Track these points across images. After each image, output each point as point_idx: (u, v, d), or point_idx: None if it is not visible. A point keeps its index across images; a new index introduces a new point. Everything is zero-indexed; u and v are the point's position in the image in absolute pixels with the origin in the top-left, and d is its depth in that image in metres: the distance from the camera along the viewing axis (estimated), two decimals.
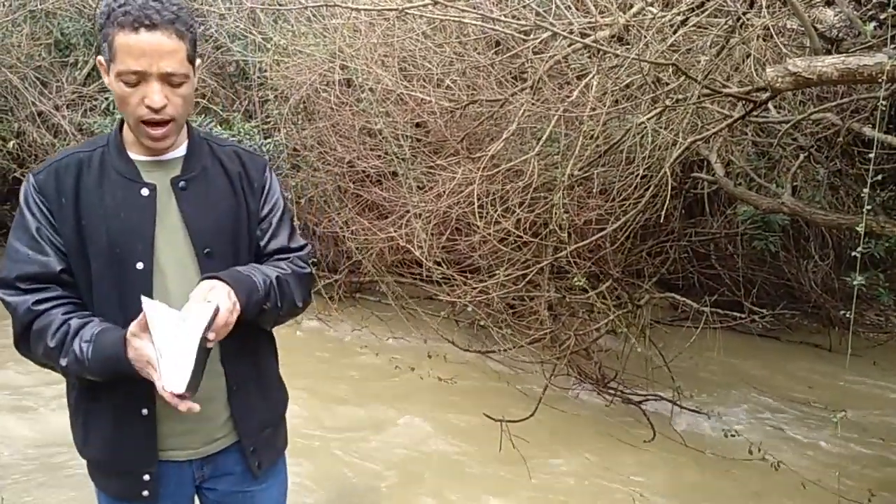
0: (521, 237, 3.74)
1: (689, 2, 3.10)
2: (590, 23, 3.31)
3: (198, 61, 1.33)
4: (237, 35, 5.57)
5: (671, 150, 3.36)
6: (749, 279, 5.29)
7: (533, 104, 3.60)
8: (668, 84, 3.27)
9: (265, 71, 5.24)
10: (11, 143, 5.59)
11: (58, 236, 1.30)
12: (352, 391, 4.00)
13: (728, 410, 4.01)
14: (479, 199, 3.64)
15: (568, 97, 3.43)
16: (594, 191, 3.92)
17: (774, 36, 2.99)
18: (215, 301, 1.23)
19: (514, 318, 4.26)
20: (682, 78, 3.05)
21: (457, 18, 3.74)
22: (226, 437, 1.45)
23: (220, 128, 5.25)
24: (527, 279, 3.79)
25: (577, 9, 3.62)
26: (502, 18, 3.55)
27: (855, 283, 2.35)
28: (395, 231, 4.40)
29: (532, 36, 3.58)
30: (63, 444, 1.47)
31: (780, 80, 2.35)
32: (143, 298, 1.18)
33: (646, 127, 3.28)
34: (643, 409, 3.78)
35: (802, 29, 2.77)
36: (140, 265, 1.31)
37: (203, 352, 1.19)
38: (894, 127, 4.40)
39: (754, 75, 3.11)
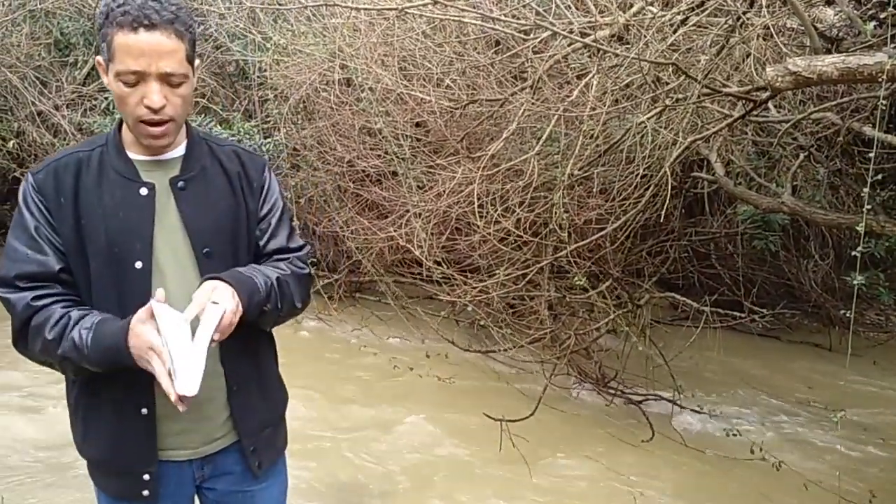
0: (521, 237, 3.74)
1: (689, 1, 3.10)
2: (590, 22, 3.31)
3: (197, 61, 1.33)
4: (237, 34, 5.57)
5: (671, 150, 3.36)
6: (749, 279, 5.29)
7: (533, 104, 3.59)
8: (668, 83, 3.27)
9: (265, 70, 5.24)
10: (11, 142, 5.59)
11: (56, 236, 1.29)
12: (351, 391, 4.00)
13: (728, 410, 4.01)
14: (479, 199, 3.64)
15: (568, 97, 3.43)
16: (594, 190, 3.92)
17: (774, 35, 2.99)
18: (221, 302, 1.23)
19: (514, 317, 4.26)
20: (682, 77, 3.05)
21: (457, 18, 3.74)
22: (225, 436, 1.45)
23: (219, 127, 5.25)
24: (527, 279, 3.79)
25: (576, 8, 3.62)
26: (502, 18, 3.55)
27: (855, 282, 2.35)
28: (395, 231, 4.40)
29: (532, 35, 3.58)
30: (68, 444, 1.46)
31: (780, 79, 2.35)
32: (153, 302, 1.19)
33: (646, 126, 3.28)
34: (643, 409, 3.78)
35: (802, 28, 2.77)
36: (139, 264, 1.30)
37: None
38: (894, 126, 4.39)
39: (754, 75, 3.11)
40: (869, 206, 2.45)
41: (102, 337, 1.23)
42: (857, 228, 2.32)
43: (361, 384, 4.12)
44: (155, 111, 1.24)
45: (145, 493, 1.37)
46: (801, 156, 4.35)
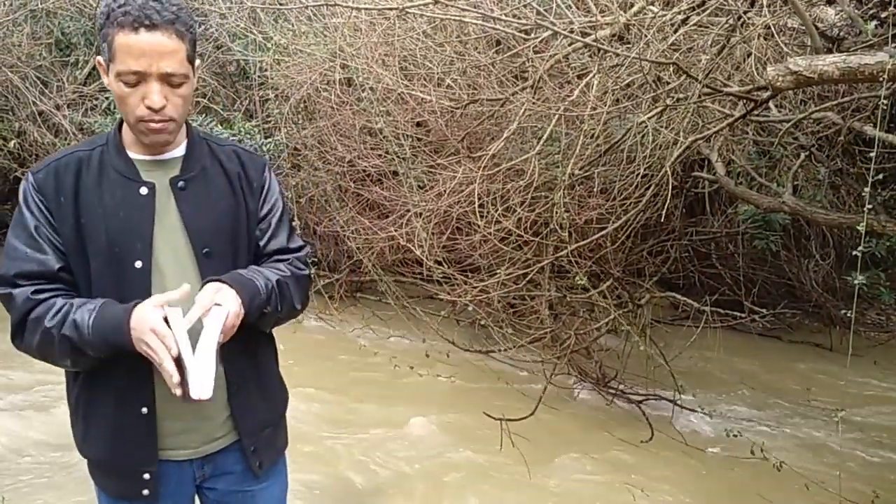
0: (522, 236, 3.74)
1: (690, 1, 3.10)
2: (590, 22, 3.31)
3: (197, 61, 1.33)
4: (238, 34, 5.57)
5: (672, 150, 3.36)
6: (750, 278, 5.29)
7: (533, 103, 3.59)
8: (668, 83, 3.27)
9: (266, 70, 5.24)
10: (12, 142, 5.60)
11: (56, 235, 1.30)
12: (352, 391, 4.00)
13: (729, 410, 4.01)
14: (479, 199, 3.64)
15: (569, 96, 3.42)
16: (595, 190, 3.92)
17: (775, 35, 2.98)
18: (224, 304, 1.24)
19: (514, 317, 4.27)
20: (683, 77, 3.05)
21: (457, 18, 3.74)
22: (226, 436, 1.45)
23: (220, 127, 5.26)
24: (527, 278, 3.79)
25: (577, 8, 3.62)
26: (503, 18, 3.54)
27: (856, 282, 2.34)
28: (396, 230, 4.40)
29: (533, 35, 3.58)
30: (71, 445, 1.46)
31: (781, 78, 2.34)
32: (167, 308, 1.19)
33: (646, 126, 3.28)
34: (643, 409, 3.78)
35: (803, 28, 2.77)
36: (139, 264, 1.30)
37: None
38: (895, 126, 4.39)
39: (755, 74, 3.10)
40: (870, 206, 2.45)
41: (105, 317, 1.23)
42: (858, 228, 2.32)
43: (362, 384, 4.12)
44: (155, 111, 1.24)
45: (145, 492, 1.38)
46: (802, 155, 4.35)
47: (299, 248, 1.53)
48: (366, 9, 4.24)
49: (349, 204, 5.15)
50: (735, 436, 3.51)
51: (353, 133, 4.94)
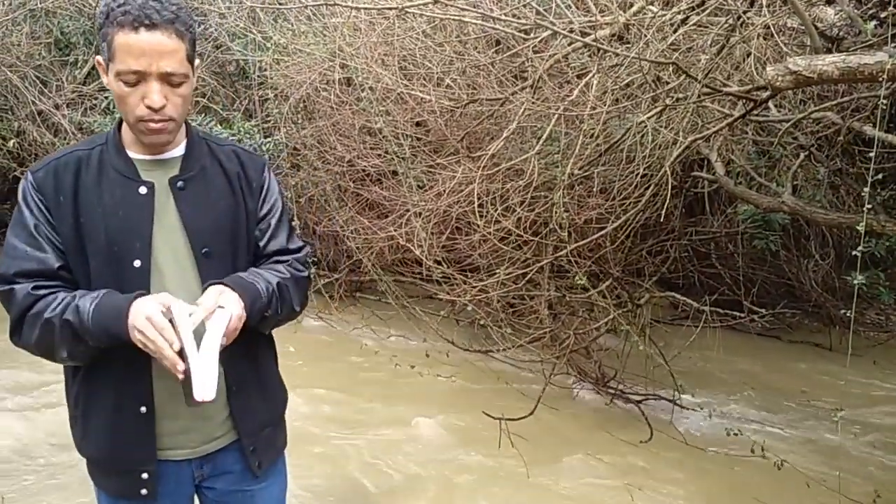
0: (522, 236, 3.74)
1: (690, 1, 3.09)
2: (590, 22, 3.31)
3: (197, 61, 1.33)
4: (237, 34, 5.57)
5: (671, 149, 3.36)
6: (749, 278, 5.29)
7: (533, 103, 3.59)
8: (668, 83, 3.27)
9: (265, 70, 5.24)
10: (11, 142, 5.60)
11: (56, 234, 1.30)
12: (352, 390, 4.00)
13: (728, 410, 4.01)
14: (479, 198, 3.64)
15: (568, 96, 3.42)
16: (594, 190, 3.92)
17: (775, 35, 2.98)
18: (227, 306, 1.25)
19: (514, 317, 4.27)
20: (683, 77, 3.05)
21: (457, 17, 3.74)
22: (225, 435, 1.45)
23: (220, 127, 5.25)
24: (527, 278, 3.79)
25: (577, 7, 3.62)
26: (502, 17, 3.54)
27: (855, 282, 2.35)
28: (396, 230, 4.40)
29: (532, 35, 3.58)
30: (73, 445, 1.47)
31: (780, 78, 2.34)
32: (172, 306, 1.19)
33: (646, 126, 3.28)
34: (642, 409, 3.78)
35: (803, 27, 2.77)
36: (137, 263, 1.31)
37: None
38: (895, 126, 4.39)
39: (755, 74, 3.10)
40: (869, 206, 2.45)
41: (105, 305, 1.23)
42: (858, 228, 2.32)
43: (365, 383, 4.12)
44: (155, 111, 1.24)
45: (144, 491, 1.38)
46: (802, 155, 4.35)
47: (299, 249, 1.53)
48: (365, 8, 4.24)
49: (349, 204, 5.15)
50: (735, 434, 3.51)
51: (352, 133, 4.94)
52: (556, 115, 3.45)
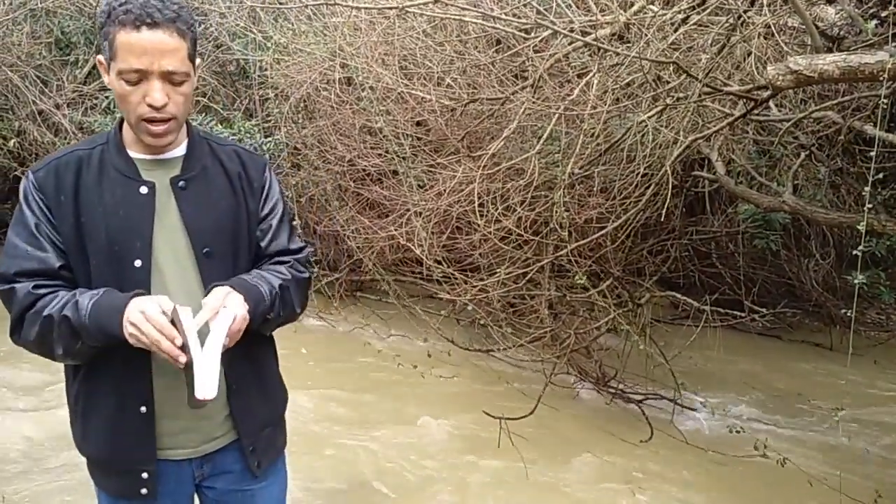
0: (522, 236, 3.74)
1: (690, 0, 3.09)
2: (590, 21, 3.31)
3: (198, 60, 1.33)
4: (238, 33, 5.57)
5: (672, 149, 3.36)
6: (750, 278, 5.29)
7: (533, 102, 3.59)
8: (668, 82, 3.27)
9: (265, 69, 5.24)
10: (12, 141, 5.60)
11: (56, 233, 1.30)
12: (352, 390, 4.00)
13: (729, 409, 4.01)
14: (479, 198, 3.64)
15: (568, 95, 3.42)
16: (595, 189, 3.92)
17: (775, 34, 2.98)
18: (231, 307, 1.25)
19: (514, 316, 4.26)
20: (683, 76, 3.05)
21: (457, 17, 3.74)
22: (225, 435, 1.45)
23: (220, 126, 5.26)
24: (527, 278, 3.79)
25: (577, 7, 3.61)
26: (503, 17, 3.54)
27: (856, 281, 2.34)
28: (396, 230, 4.39)
29: (533, 34, 3.58)
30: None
31: (781, 78, 2.34)
32: (177, 307, 1.19)
33: (646, 125, 3.28)
34: (642, 409, 3.78)
35: (804, 27, 2.77)
36: (138, 263, 1.31)
37: None
38: (895, 125, 4.39)
39: (755, 73, 3.10)
40: (870, 205, 2.45)
41: (103, 303, 1.23)
42: (859, 227, 2.32)
43: (362, 383, 4.12)
44: (157, 109, 1.24)
45: (144, 491, 1.38)
46: (802, 155, 4.34)
47: (300, 250, 1.53)
48: (366, 8, 4.24)
49: (349, 203, 5.15)
50: (737, 432, 3.51)
51: (352, 132, 4.94)
52: (556, 115, 3.44)
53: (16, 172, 5.71)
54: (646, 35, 3.07)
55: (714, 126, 3.35)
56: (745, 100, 2.97)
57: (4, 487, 2.79)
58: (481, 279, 3.95)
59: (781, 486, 3.18)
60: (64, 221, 1.29)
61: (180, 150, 1.38)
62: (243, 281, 1.35)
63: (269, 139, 5.25)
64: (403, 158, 4.55)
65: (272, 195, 1.49)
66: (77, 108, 5.69)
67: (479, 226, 3.72)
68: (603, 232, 3.62)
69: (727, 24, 3.00)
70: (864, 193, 2.49)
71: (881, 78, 2.17)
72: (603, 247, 3.92)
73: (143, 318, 1.18)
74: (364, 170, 5.02)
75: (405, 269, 5.26)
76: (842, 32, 2.68)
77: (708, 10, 3.04)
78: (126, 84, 1.23)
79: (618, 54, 3.14)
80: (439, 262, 4.19)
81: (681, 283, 5.38)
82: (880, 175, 2.75)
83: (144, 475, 1.37)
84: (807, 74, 2.29)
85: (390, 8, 3.82)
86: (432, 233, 4.21)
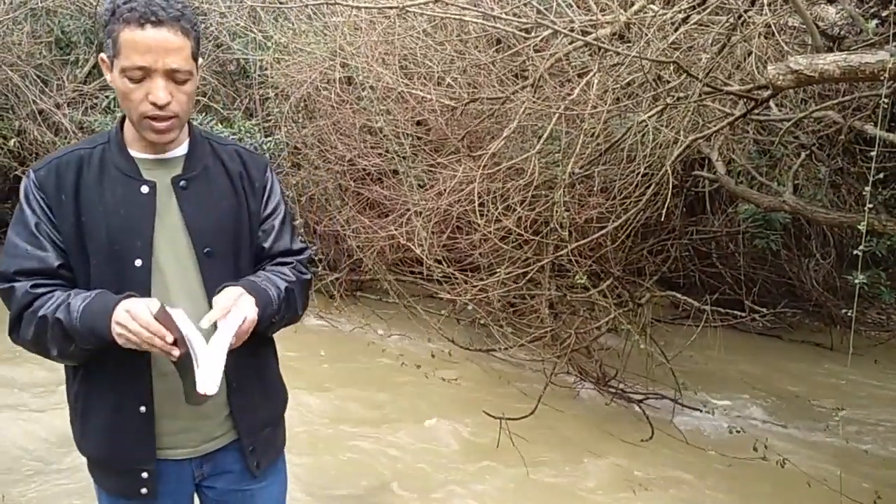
0: (522, 235, 3.74)
1: (690, 0, 3.09)
2: (591, 20, 3.31)
3: (200, 60, 1.33)
4: (238, 33, 5.57)
5: (672, 148, 3.36)
6: (750, 277, 5.29)
7: (534, 102, 3.59)
8: (669, 82, 3.27)
9: (266, 69, 5.24)
10: (12, 141, 5.60)
11: (57, 233, 1.29)
12: (352, 389, 4.00)
13: (729, 409, 4.01)
14: (479, 198, 3.64)
15: (569, 95, 3.42)
16: (595, 189, 3.92)
17: (776, 34, 2.98)
18: (243, 310, 1.26)
19: (514, 316, 4.26)
20: (684, 76, 3.05)
21: (457, 16, 3.74)
22: (225, 435, 1.45)
23: (220, 126, 5.25)
24: (527, 277, 3.79)
25: (578, 6, 3.61)
26: (503, 16, 3.54)
27: (856, 281, 2.35)
28: (396, 229, 4.39)
29: (533, 34, 3.58)
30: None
31: (781, 77, 2.34)
32: (164, 306, 1.18)
33: (647, 125, 3.28)
34: (643, 408, 3.78)
35: (804, 27, 2.77)
36: (139, 262, 1.30)
37: None
38: None
39: (756, 73, 3.10)
40: (870, 205, 2.45)
41: (94, 306, 1.22)
42: (859, 227, 2.32)
43: (362, 383, 4.12)
44: (160, 107, 1.24)
45: (144, 491, 1.38)
46: (803, 154, 4.34)
47: (302, 250, 1.53)
48: (366, 7, 4.24)
49: (349, 203, 5.15)
50: (738, 432, 3.51)
51: (353, 132, 4.94)
52: (556, 114, 3.44)
53: (16, 172, 5.71)
54: (646, 35, 3.07)
55: (714, 126, 3.35)
56: (745, 99, 2.97)
57: (10, 489, 2.78)
58: (481, 279, 3.95)
59: (781, 486, 3.17)
60: (64, 220, 1.29)
61: (182, 150, 1.38)
62: (253, 283, 1.35)
63: (270, 139, 5.25)
64: (403, 158, 4.55)
65: (274, 195, 1.49)
66: (77, 107, 5.68)
67: (479, 225, 3.72)
68: (603, 232, 3.62)
69: (727, 24, 3.00)
70: (864, 193, 2.49)
71: (882, 77, 2.17)
72: (603, 246, 3.92)
73: (129, 316, 1.17)
74: (364, 169, 5.02)
75: (405, 269, 5.26)
76: (842, 32, 2.68)
77: (708, 10, 3.04)
78: (129, 82, 1.23)
79: (618, 54, 3.14)
80: (439, 262, 4.19)
81: (681, 283, 5.38)
82: (881, 175, 2.75)
83: (144, 475, 1.37)
84: (807, 74, 2.29)
85: (390, 7, 3.82)
86: (432, 232, 4.21)
